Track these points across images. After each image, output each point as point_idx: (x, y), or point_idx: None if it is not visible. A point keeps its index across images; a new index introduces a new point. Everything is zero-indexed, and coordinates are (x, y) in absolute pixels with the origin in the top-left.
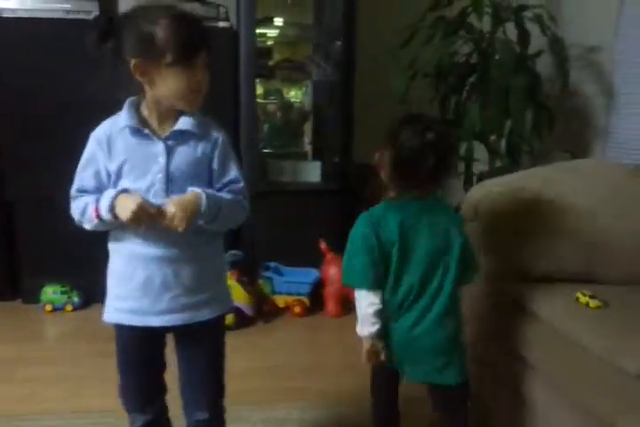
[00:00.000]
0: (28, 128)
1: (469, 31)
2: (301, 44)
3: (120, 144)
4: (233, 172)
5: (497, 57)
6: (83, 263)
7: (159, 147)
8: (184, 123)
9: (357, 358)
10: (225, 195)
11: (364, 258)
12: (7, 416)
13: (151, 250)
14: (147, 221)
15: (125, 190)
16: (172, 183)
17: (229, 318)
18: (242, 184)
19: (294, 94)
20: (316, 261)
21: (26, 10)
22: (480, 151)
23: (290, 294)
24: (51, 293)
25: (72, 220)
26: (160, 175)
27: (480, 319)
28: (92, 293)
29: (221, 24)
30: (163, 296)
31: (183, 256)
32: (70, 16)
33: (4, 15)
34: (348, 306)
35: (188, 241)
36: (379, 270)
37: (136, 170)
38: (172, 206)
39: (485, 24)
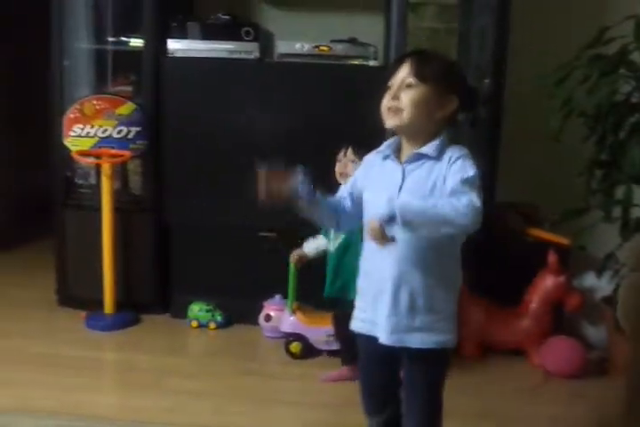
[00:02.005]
0: (190, 159)
1: (630, 69)
2: None
3: (375, 165)
4: (453, 181)
5: None
6: (228, 286)
7: (398, 170)
8: (424, 147)
9: (494, 404)
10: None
11: None
12: (155, 424)
13: (378, 268)
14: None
15: None
16: None
17: None
18: (466, 191)
19: None
20: None
21: (195, 50)
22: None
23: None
24: (197, 310)
25: (223, 245)
26: (393, 193)
27: None
28: (235, 314)
29: (371, 63)
30: (382, 312)
31: (405, 277)
32: (233, 56)
33: (177, 55)
34: (487, 348)
35: (411, 262)
36: None
37: (377, 187)
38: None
39: None
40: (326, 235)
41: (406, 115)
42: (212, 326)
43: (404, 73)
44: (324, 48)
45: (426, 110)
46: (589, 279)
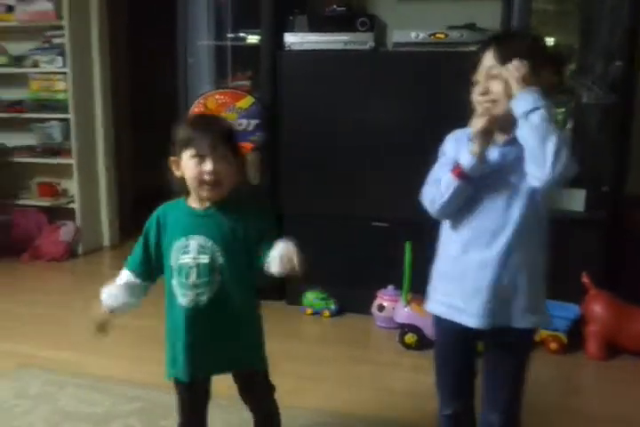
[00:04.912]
0: (305, 150)
1: None
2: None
3: (464, 143)
4: None
5: None
6: (341, 275)
7: (494, 153)
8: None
9: (623, 408)
10: None
11: None
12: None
13: (469, 253)
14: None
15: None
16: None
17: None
18: None
19: None
20: (575, 295)
21: (311, 43)
22: None
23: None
24: (312, 298)
25: (337, 235)
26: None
27: None
28: (347, 302)
29: None
30: (475, 298)
31: (499, 261)
32: (348, 47)
33: (293, 48)
34: (613, 349)
35: (504, 245)
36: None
37: None
38: None
39: None
40: (144, 277)
41: (501, 106)
42: (326, 313)
43: (488, 62)
44: (440, 35)
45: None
46: None
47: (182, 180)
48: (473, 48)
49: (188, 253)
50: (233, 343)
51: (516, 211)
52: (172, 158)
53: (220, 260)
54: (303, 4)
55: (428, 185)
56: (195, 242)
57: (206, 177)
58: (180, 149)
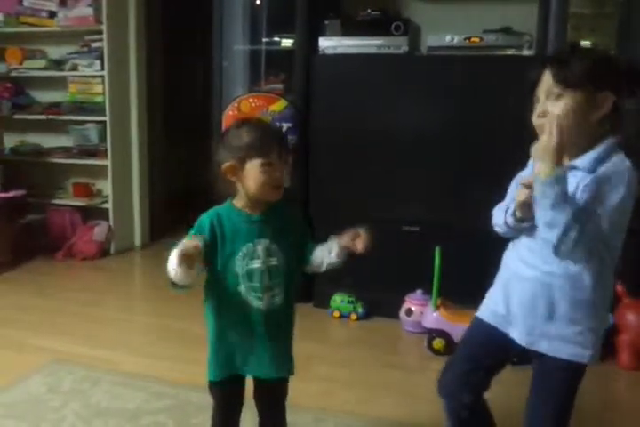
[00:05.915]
0: (337, 153)
1: None
2: None
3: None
4: (598, 205)
5: None
6: (369, 279)
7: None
8: (579, 160)
9: None
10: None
11: None
12: (307, 408)
13: (521, 269)
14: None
15: None
16: None
17: None
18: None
19: None
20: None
21: (344, 46)
22: None
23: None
24: (339, 301)
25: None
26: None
27: None
28: (375, 306)
29: (526, 52)
30: (515, 311)
31: (548, 282)
32: (382, 51)
33: (327, 52)
34: None
35: (549, 268)
36: None
37: None
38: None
39: None
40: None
41: (549, 132)
42: (354, 317)
43: (547, 82)
44: (475, 39)
45: (580, 118)
46: None
47: (232, 184)
48: (509, 52)
49: (258, 258)
50: (287, 344)
51: None
52: (227, 164)
53: (282, 261)
54: (337, 9)
55: (500, 204)
56: (261, 246)
57: (276, 183)
58: (245, 156)
